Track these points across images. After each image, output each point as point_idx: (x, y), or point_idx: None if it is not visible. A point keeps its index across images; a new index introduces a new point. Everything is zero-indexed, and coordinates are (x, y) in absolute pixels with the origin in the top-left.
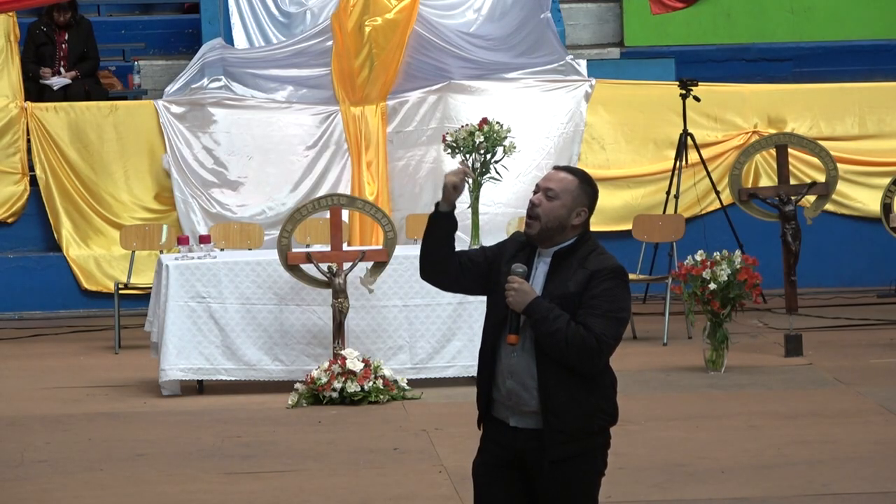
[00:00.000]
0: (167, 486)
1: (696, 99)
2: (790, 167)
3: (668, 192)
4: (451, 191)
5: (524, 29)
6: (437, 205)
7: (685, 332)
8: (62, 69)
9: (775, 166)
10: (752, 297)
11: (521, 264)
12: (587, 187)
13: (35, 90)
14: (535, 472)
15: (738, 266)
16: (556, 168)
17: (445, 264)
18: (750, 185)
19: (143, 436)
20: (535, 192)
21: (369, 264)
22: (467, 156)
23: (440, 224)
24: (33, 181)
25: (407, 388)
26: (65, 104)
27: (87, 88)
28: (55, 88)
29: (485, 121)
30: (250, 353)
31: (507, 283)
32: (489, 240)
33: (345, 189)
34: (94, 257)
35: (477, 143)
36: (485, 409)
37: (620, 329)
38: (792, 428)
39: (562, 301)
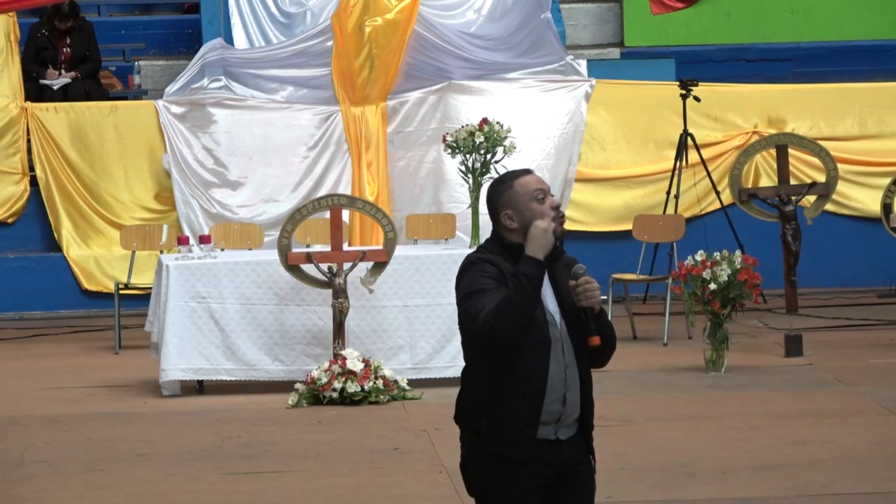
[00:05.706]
0: (167, 486)
1: (697, 99)
2: (790, 167)
3: (668, 192)
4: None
5: (524, 29)
6: (536, 259)
7: (685, 333)
8: (63, 72)
9: (775, 166)
10: (753, 298)
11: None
12: None
13: (35, 90)
14: (579, 477)
15: (739, 266)
16: (534, 173)
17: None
18: (750, 186)
19: (143, 436)
20: (541, 196)
21: (369, 264)
22: (468, 156)
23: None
24: (33, 181)
25: (407, 388)
26: (65, 104)
27: (88, 89)
28: (55, 88)
29: (485, 121)
30: (250, 353)
31: (581, 283)
32: None
33: (345, 189)
34: (95, 257)
35: (477, 143)
36: (531, 436)
37: None
38: (792, 428)
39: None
